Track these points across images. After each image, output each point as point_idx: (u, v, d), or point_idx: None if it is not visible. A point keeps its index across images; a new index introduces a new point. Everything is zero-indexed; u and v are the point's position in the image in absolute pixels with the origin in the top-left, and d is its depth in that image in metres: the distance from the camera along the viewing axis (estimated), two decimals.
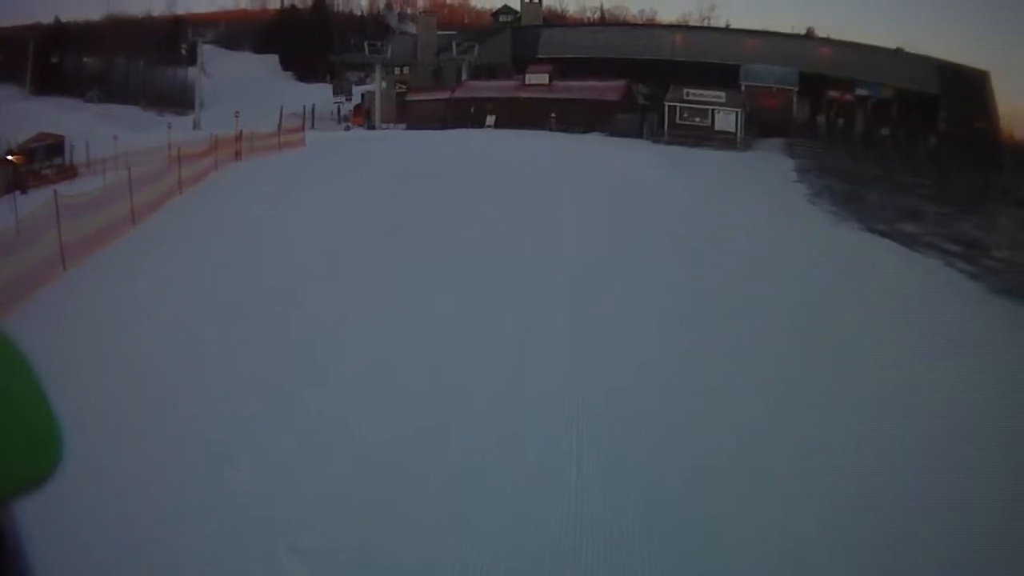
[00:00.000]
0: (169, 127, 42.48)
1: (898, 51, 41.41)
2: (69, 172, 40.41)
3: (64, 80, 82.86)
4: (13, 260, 8.87)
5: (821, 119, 41.58)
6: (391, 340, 7.84)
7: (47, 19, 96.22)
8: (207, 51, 79.87)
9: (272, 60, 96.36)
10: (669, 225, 13.88)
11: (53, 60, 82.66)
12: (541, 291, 9.52)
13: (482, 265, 10.57)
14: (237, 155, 23.65)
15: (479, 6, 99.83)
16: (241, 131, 26.07)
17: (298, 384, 6.75)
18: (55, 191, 10.51)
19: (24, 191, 30.45)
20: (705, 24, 55.63)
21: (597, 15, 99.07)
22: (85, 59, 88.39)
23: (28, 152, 46.53)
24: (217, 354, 7.37)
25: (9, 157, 45.25)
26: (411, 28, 71.15)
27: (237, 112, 33.20)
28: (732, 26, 51.22)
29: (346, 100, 59.11)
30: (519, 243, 11.82)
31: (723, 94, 37.45)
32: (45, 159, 46.56)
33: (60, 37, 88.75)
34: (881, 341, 8.49)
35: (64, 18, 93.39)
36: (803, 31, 46.26)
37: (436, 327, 8.32)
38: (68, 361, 6.47)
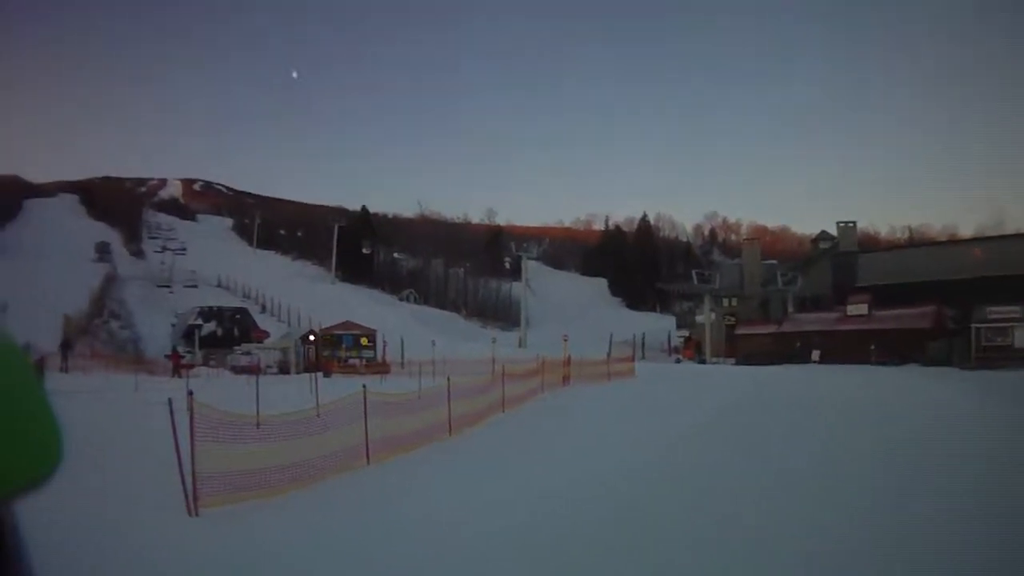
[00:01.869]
0: (494, 342, 43.37)
1: None
2: (381, 367, 40.97)
3: (374, 272, 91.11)
4: (315, 441, 9.29)
5: None
6: None
7: (353, 206, 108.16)
8: (532, 267, 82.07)
9: (600, 284, 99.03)
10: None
11: (364, 250, 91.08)
12: None
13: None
14: (564, 379, 22.97)
15: (799, 231, 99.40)
16: (569, 355, 25.46)
17: None
18: (364, 386, 10.91)
19: (327, 375, 30.99)
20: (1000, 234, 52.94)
21: (906, 235, 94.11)
22: (397, 255, 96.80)
23: (333, 338, 49.54)
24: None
25: (311, 337, 49.32)
26: (728, 256, 70.15)
27: (565, 336, 32.63)
28: None
29: (687, 336, 58.40)
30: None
31: (1019, 308, 35.76)
32: (352, 348, 48.85)
33: (369, 227, 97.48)
34: None
35: (373, 208, 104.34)
36: None
37: None
38: (358, 547, 6.34)
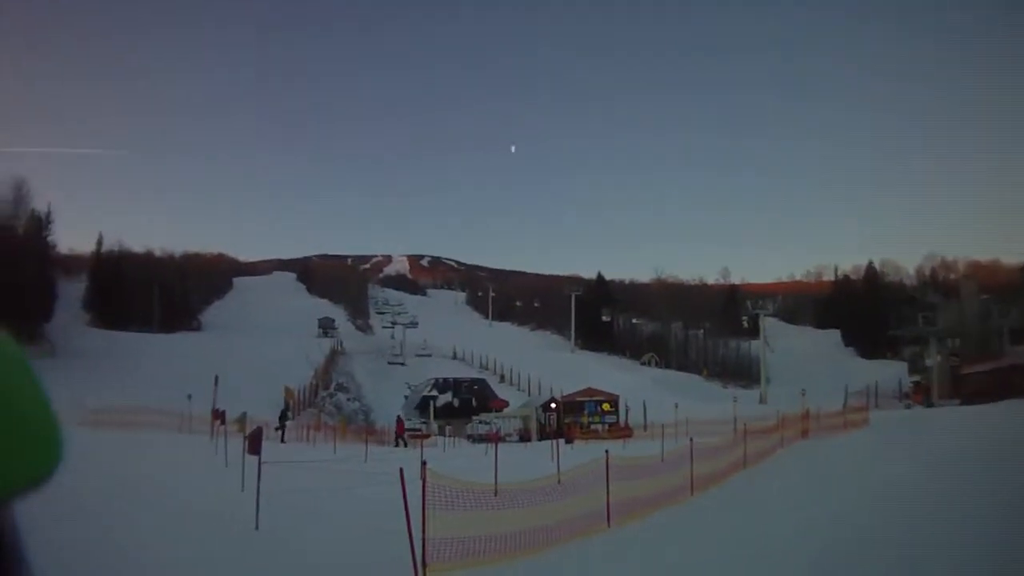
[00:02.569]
0: (735, 401, 43.63)
1: None
2: (623, 432, 41.68)
3: (614, 338, 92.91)
4: (555, 507, 9.19)
5: None
6: None
7: (587, 274, 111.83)
8: (768, 324, 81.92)
9: (833, 336, 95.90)
10: None
11: (604, 317, 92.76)
12: None
13: None
14: (804, 433, 23.18)
15: (1007, 262, 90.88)
16: (807, 409, 25.64)
17: None
18: (607, 451, 10.94)
19: (569, 441, 32.31)
20: None
21: None
22: (635, 320, 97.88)
23: (575, 405, 50.53)
24: None
25: (552, 405, 50.53)
26: (945, 295, 65.71)
27: (803, 390, 33.07)
28: None
29: (916, 381, 56.09)
30: None
31: None
32: (594, 414, 49.76)
33: (606, 294, 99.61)
34: None
35: (608, 275, 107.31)
36: None
37: None
38: None
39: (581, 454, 16.61)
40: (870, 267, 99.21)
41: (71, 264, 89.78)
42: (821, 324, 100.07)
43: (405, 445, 33.67)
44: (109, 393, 38.66)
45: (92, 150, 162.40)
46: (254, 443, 11.15)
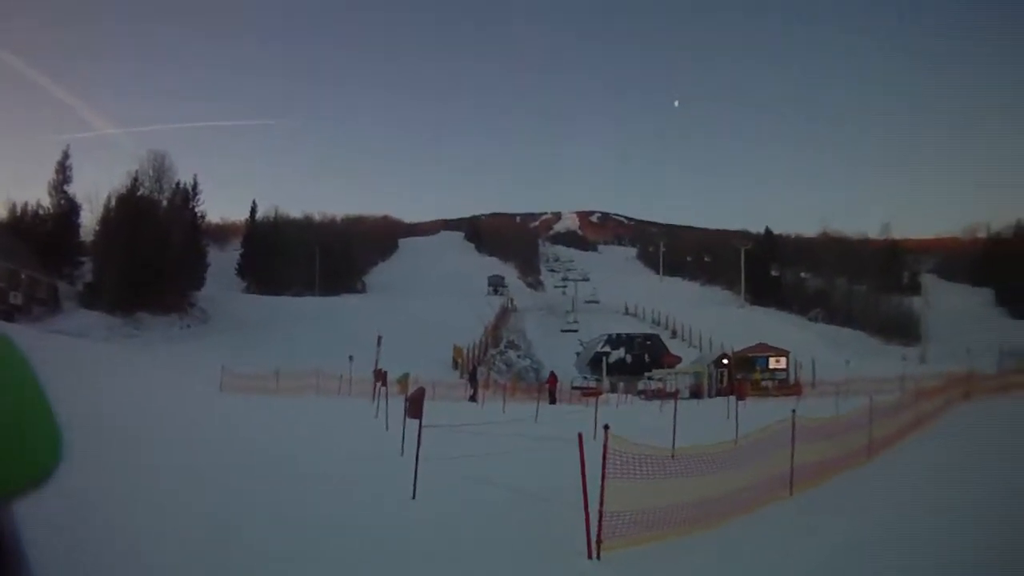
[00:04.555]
0: (904, 359, 42.63)
1: None
2: (793, 389, 41.48)
3: (782, 294, 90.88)
4: (738, 473, 8.40)
5: None
6: None
7: (755, 228, 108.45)
8: (928, 281, 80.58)
9: (986, 294, 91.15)
10: None
11: (773, 272, 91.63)
12: None
13: None
14: (966, 395, 23.35)
15: None
16: (973, 370, 25.65)
17: None
18: (793, 411, 9.82)
19: (741, 398, 33.66)
20: None
21: None
22: (803, 275, 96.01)
23: (747, 360, 50.50)
24: None
25: (724, 361, 50.73)
26: None
27: (968, 349, 32.46)
28: None
29: None
30: None
31: None
32: (765, 370, 49.80)
33: (775, 249, 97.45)
34: None
35: (776, 230, 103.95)
36: None
37: None
38: None
39: (753, 412, 15.83)
40: (1020, 224, 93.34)
41: (224, 233, 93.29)
42: (976, 283, 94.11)
43: (554, 402, 32.96)
44: (264, 357, 39.38)
45: (246, 122, 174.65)
46: (415, 406, 10.00)
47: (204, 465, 10.13)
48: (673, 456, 8.32)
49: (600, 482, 6.37)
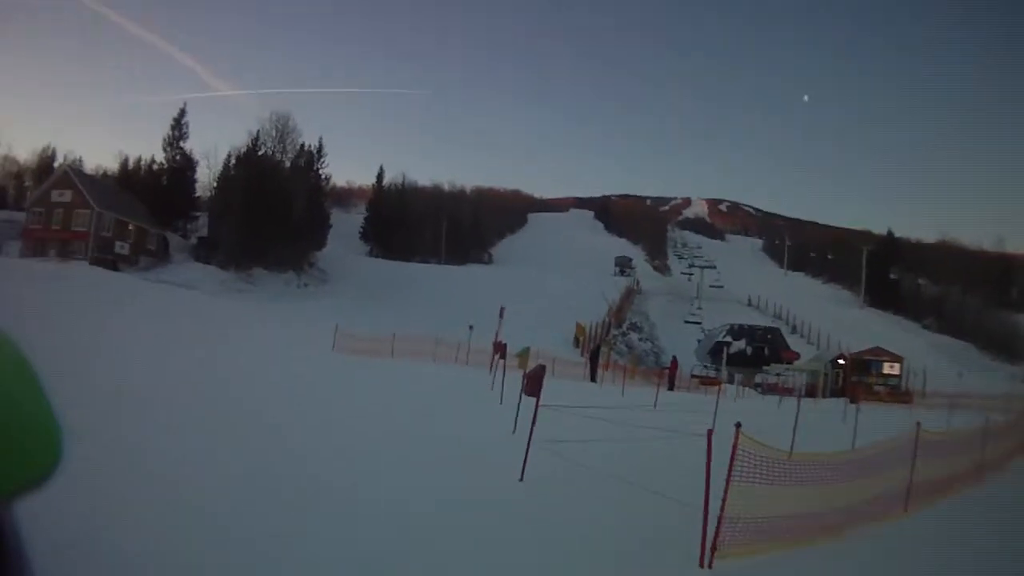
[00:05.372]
0: (1020, 380, 41.62)
1: None
2: (904, 396, 40.50)
3: (900, 299, 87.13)
4: (854, 484, 7.65)
5: None
6: None
7: (878, 229, 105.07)
8: None
9: None
10: None
11: (892, 276, 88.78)
12: None
13: None
14: None
15: None
16: None
17: None
18: (918, 423, 9.11)
19: (854, 402, 32.89)
20: None
21: None
22: (920, 281, 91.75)
23: (863, 363, 48.69)
24: None
25: (840, 361, 48.84)
26: None
27: None
28: None
29: None
30: None
31: None
32: (879, 375, 48.04)
33: (896, 252, 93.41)
34: None
35: (897, 233, 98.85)
36: None
37: None
38: None
39: (866, 419, 15.09)
40: None
41: (350, 196, 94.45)
42: None
43: (672, 388, 32.10)
44: (381, 321, 38.98)
45: (379, 90, 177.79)
46: (533, 383, 9.50)
47: (307, 423, 10.69)
48: (791, 456, 7.73)
49: (724, 484, 5.88)
